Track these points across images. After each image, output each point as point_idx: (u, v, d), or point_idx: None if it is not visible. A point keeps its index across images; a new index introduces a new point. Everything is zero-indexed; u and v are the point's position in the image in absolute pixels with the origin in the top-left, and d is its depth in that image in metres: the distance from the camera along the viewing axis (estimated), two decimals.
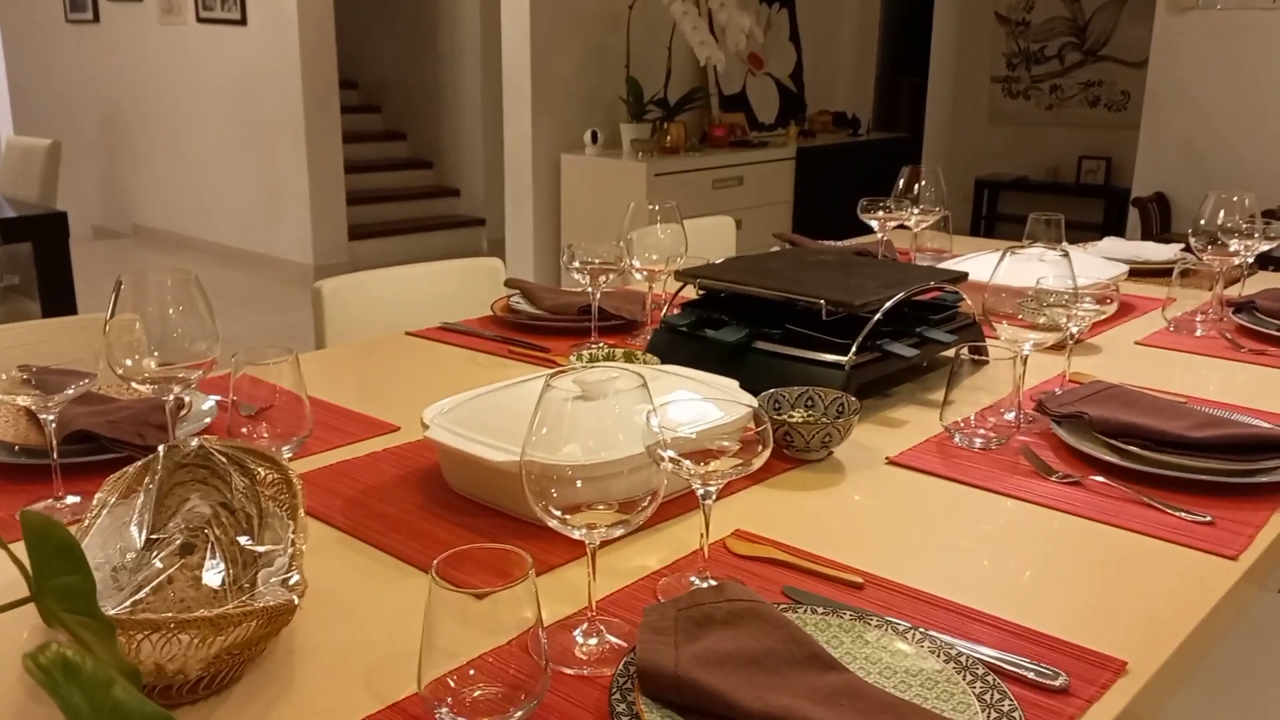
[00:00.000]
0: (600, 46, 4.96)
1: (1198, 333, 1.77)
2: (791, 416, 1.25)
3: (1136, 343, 1.73)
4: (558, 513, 0.78)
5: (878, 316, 1.38)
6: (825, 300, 1.38)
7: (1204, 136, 5.34)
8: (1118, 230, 6.33)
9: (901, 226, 2.25)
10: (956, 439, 1.27)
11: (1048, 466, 1.19)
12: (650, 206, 1.68)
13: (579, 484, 0.78)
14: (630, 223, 1.68)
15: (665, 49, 4.98)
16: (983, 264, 1.81)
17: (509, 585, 0.66)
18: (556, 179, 4.90)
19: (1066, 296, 1.35)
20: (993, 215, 7.09)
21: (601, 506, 0.78)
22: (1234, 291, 2.02)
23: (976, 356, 1.27)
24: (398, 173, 7.08)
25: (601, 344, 1.59)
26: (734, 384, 1.23)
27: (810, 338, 1.39)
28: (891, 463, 1.22)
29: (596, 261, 1.61)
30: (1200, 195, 5.04)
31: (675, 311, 1.55)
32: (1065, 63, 6.82)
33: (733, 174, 5.03)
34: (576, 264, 1.61)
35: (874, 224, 2.20)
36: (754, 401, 1.14)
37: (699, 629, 0.77)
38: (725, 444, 0.92)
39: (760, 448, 0.89)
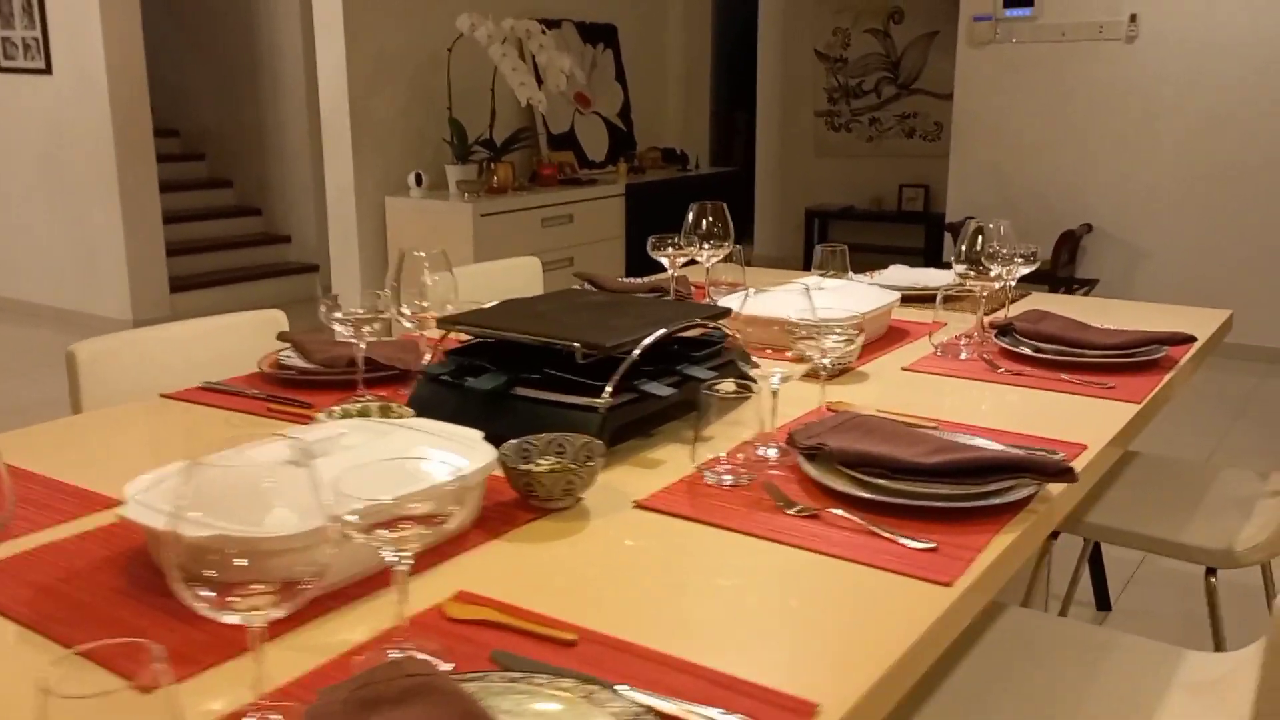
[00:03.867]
0: (423, 88, 4.91)
1: (962, 356, 1.83)
2: (538, 465, 1.23)
3: (903, 368, 1.78)
4: (208, 593, 0.73)
5: (633, 357, 1.38)
6: (579, 343, 1.37)
7: (1009, 162, 5.62)
8: (937, 255, 6.61)
9: (692, 262, 2.27)
10: (707, 477, 1.27)
11: (788, 500, 1.20)
12: (417, 253, 1.64)
13: (236, 562, 0.73)
14: (400, 270, 1.64)
15: (489, 90, 4.97)
16: (769, 298, 1.84)
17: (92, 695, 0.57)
18: (382, 222, 4.82)
19: (812, 329, 1.37)
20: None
21: (260, 587, 0.74)
22: (1009, 313, 2.11)
23: (736, 393, 1.27)
24: (224, 221, 6.85)
25: (367, 396, 1.54)
26: (477, 435, 1.20)
27: (567, 381, 1.37)
28: (639, 506, 1.21)
29: (360, 312, 1.56)
30: (1009, 218, 5.29)
31: (439, 360, 1.52)
32: (882, 96, 7.10)
33: (562, 212, 5.04)
34: (339, 315, 1.56)
35: (664, 261, 2.21)
36: (484, 456, 1.12)
37: (368, 711, 0.73)
38: (428, 507, 0.88)
39: (454, 507, 0.86)
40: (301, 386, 1.69)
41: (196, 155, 7.15)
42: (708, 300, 2.19)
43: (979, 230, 1.93)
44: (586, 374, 1.37)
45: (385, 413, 1.41)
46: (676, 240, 2.25)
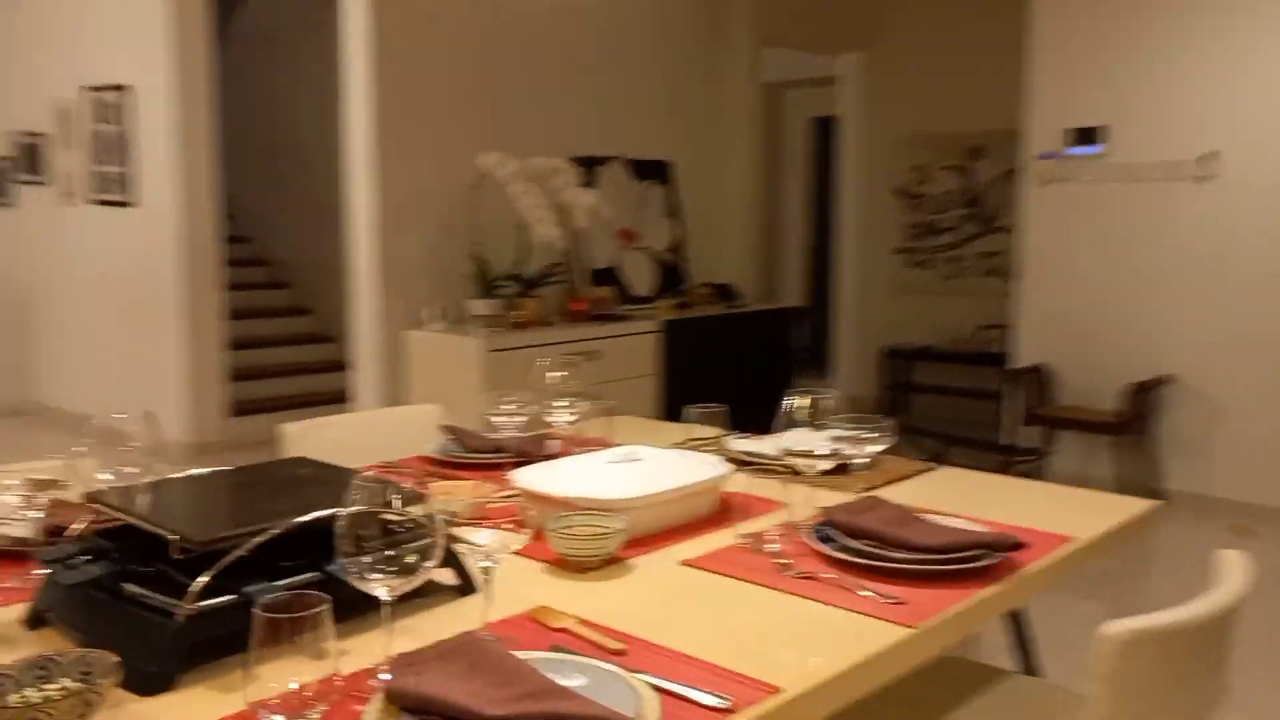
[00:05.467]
0: (453, 223, 4.95)
1: (769, 548, 1.58)
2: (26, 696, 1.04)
3: (684, 562, 1.55)
4: None
5: (236, 553, 1.20)
6: (172, 532, 1.21)
7: (1078, 306, 5.23)
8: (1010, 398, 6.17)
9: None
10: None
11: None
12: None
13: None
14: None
15: (514, 226, 4.97)
16: (579, 465, 1.67)
17: None
18: (403, 354, 4.82)
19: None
20: (905, 384, 6.95)
21: None
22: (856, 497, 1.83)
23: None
24: (297, 347, 7.05)
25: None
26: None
27: (156, 576, 1.21)
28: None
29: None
30: (1080, 365, 4.90)
31: (85, 537, 1.37)
32: (962, 234, 6.80)
33: (586, 348, 4.93)
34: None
35: (501, 420, 2.04)
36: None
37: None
38: None
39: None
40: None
41: (280, 284, 7.44)
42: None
43: (808, 399, 1.70)
44: (184, 570, 1.20)
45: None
46: (514, 399, 2.09)
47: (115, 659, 1.07)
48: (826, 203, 7.78)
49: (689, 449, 2.03)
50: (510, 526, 1.29)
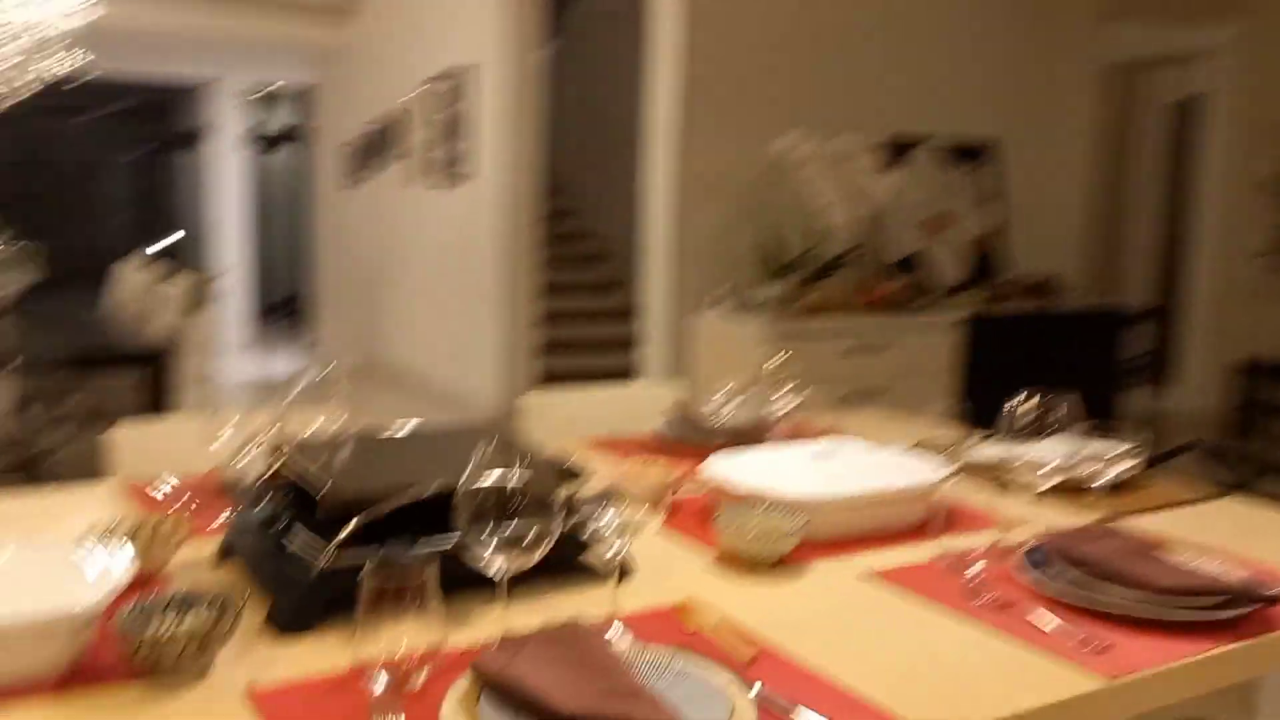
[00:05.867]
0: (748, 206, 4.90)
1: (971, 570, 1.40)
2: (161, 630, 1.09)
3: (876, 572, 1.41)
4: None
5: (372, 512, 1.21)
6: (321, 486, 1.24)
7: None
8: None
9: None
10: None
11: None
12: None
13: None
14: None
15: (808, 211, 4.83)
16: (770, 458, 1.59)
17: None
18: (689, 336, 4.84)
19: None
20: (1263, 403, 6.08)
21: None
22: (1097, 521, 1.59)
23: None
24: (606, 323, 7.31)
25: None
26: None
27: (316, 527, 1.24)
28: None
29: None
30: None
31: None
32: None
33: (873, 340, 4.72)
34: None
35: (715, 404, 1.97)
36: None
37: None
38: None
39: None
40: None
41: (599, 258, 7.74)
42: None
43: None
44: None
45: None
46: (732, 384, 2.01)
47: (244, 601, 1.11)
48: (1183, 195, 6.97)
49: (919, 450, 1.86)
50: (647, 509, 1.22)
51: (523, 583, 1.25)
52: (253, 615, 1.20)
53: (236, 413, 1.65)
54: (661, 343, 4.91)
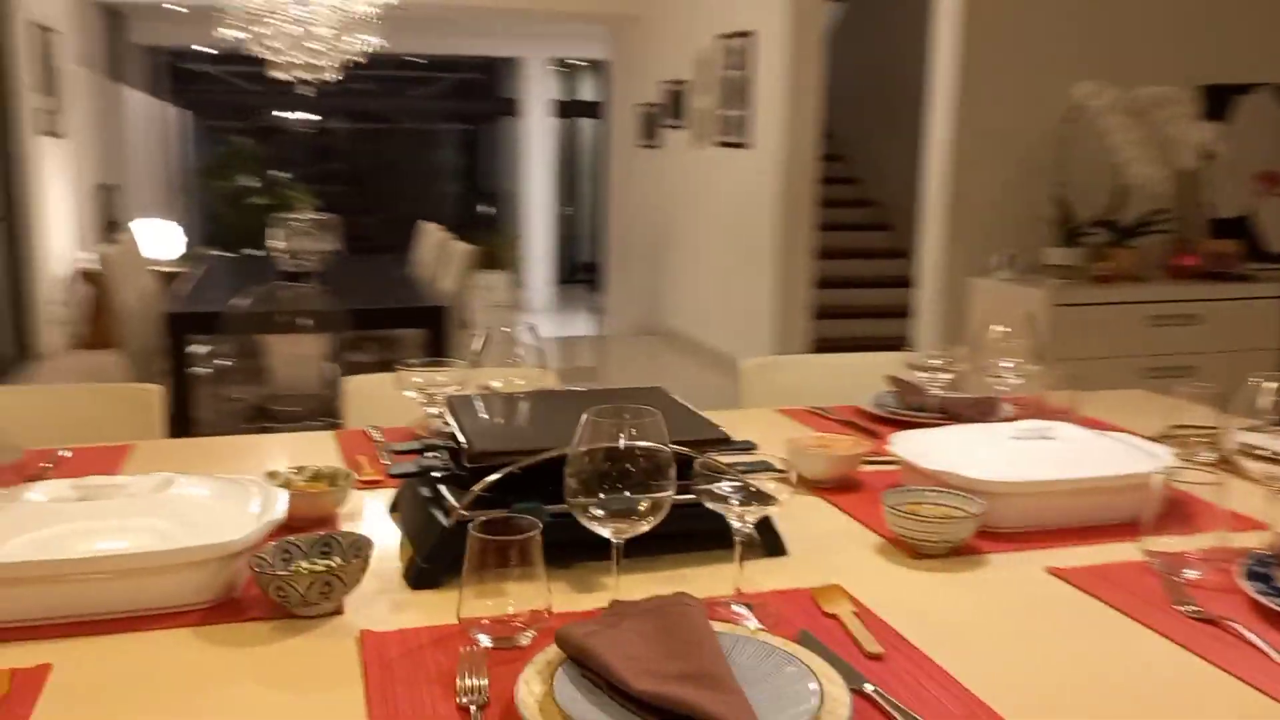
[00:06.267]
0: (1034, 164, 4.53)
1: (1186, 574, 1.21)
2: (300, 568, 1.15)
3: (1049, 569, 1.25)
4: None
5: (506, 472, 1.21)
6: (465, 441, 1.25)
7: None
8: None
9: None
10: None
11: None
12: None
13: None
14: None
15: (1109, 166, 4.38)
16: (971, 436, 1.46)
17: None
18: (964, 302, 4.56)
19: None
20: None
21: None
22: None
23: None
24: (888, 290, 7.05)
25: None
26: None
27: (462, 481, 1.25)
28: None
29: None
30: None
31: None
32: None
33: (1182, 311, 4.23)
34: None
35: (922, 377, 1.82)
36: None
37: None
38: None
39: None
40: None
41: (881, 225, 7.46)
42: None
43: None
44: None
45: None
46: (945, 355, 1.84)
47: (372, 548, 1.15)
48: None
49: (1173, 435, 1.63)
50: (797, 482, 1.14)
51: (658, 551, 1.21)
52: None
53: (451, 369, 1.69)
54: (936, 310, 4.66)
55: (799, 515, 1.45)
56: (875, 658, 1.03)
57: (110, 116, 8.51)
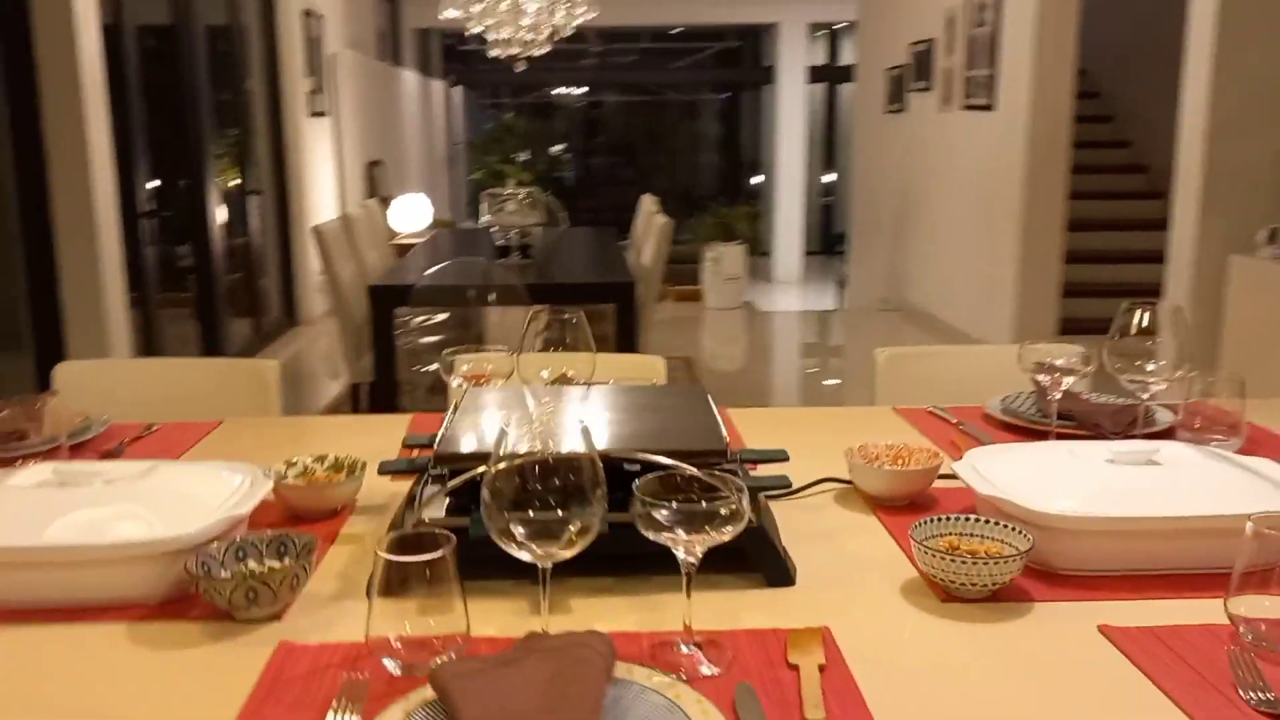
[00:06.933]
0: None
1: None
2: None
3: (1101, 627, 1.01)
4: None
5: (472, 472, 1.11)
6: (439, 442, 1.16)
7: None
8: None
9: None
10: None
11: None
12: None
13: None
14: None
15: None
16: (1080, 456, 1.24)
17: None
18: (1223, 283, 3.99)
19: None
20: None
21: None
22: None
23: None
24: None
25: None
26: None
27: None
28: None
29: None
30: None
31: None
32: None
33: None
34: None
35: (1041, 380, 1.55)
36: None
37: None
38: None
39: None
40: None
41: (1139, 168, 6.74)
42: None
43: None
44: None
45: None
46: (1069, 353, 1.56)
47: (312, 553, 1.09)
48: None
49: None
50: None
51: (653, 570, 1.08)
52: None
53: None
54: (1185, 288, 4.11)
55: (839, 537, 1.27)
56: None
57: (379, 96, 9.08)
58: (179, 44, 5.38)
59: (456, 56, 13.02)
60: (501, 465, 0.95)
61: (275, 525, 1.27)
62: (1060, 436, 1.52)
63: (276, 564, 1.09)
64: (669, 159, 14.73)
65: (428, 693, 0.87)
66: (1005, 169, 5.82)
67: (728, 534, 0.96)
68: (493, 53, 5.29)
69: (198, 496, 1.20)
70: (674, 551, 0.97)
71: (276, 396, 2.03)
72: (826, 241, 12.74)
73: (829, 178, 13.15)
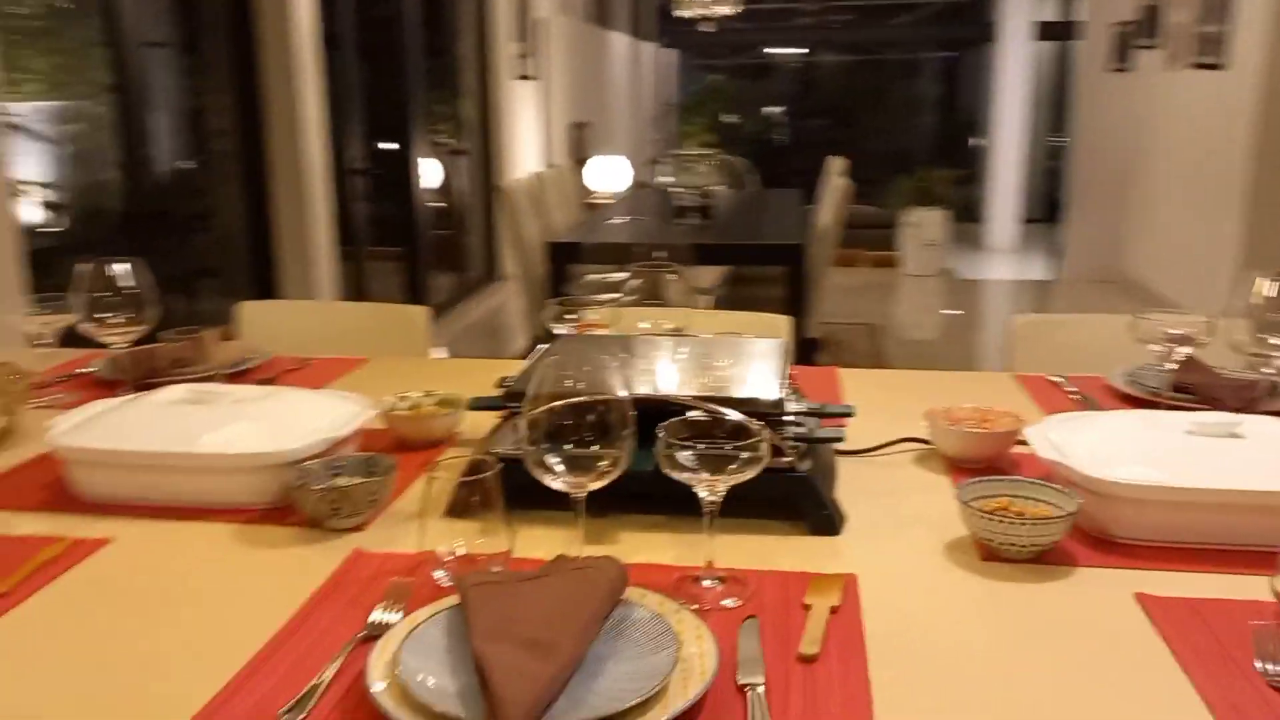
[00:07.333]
0: None
1: None
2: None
3: (1137, 595, 0.99)
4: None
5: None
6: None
7: None
8: None
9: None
10: None
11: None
12: None
13: None
14: None
15: None
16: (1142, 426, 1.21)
17: None
18: None
19: None
20: None
21: None
22: None
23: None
24: None
25: None
26: None
27: None
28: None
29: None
30: None
31: None
32: None
33: None
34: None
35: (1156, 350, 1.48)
36: None
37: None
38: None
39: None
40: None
41: None
42: None
43: None
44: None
45: None
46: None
47: (388, 473, 1.21)
48: None
49: None
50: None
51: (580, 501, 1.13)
52: None
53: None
54: None
55: (902, 494, 1.28)
56: (806, 660, 0.90)
57: (588, 58, 9.29)
58: (392, 7, 5.71)
59: (671, 18, 13.13)
60: (540, 404, 1.03)
61: (385, 451, 1.40)
62: (1173, 408, 1.46)
63: (359, 480, 1.21)
64: (886, 120, 14.34)
65: (457, 599, 0.97)
66: (1233, 133, 5.38)
67: (744, 476, 1.01)
68: (678, 12, 5.33)
69: (308, 419, 1.34)
70: (698, 491, 1.02)
71: (424, 338, 2.19)
72: (1051, 208, 12.10)
73: (1058, 141, 12.44)
